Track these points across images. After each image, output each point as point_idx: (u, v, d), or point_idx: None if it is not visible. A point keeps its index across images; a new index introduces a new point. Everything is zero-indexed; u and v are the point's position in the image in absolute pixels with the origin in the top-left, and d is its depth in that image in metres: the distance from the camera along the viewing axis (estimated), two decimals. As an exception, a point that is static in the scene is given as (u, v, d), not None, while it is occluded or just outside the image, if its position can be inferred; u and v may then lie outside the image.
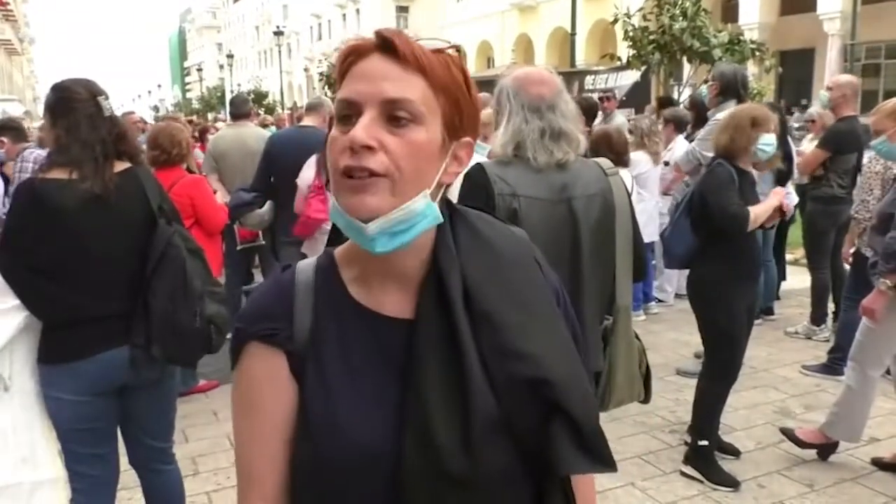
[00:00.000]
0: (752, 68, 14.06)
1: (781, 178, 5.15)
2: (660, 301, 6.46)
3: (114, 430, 2.46)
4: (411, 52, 0.89)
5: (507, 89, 2.10)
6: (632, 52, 13.23)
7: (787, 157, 5.29)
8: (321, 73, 32.85)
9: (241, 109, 5.73)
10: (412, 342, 0.93)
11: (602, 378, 2.21)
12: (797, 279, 6.52)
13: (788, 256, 6.87)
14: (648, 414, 4.06)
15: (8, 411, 2.24)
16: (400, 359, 0.93)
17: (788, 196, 4.66)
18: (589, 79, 12.66)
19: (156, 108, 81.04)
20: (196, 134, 9.29)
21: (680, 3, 12.75)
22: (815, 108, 6.91)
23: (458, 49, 0.96)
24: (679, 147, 5.78)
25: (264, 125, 10.06)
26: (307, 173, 4.10)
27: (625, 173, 4.13)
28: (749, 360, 4.03)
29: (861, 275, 3.97)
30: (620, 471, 3.43)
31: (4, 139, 5.39)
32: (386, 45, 0.90)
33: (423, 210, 0.91)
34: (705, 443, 3.42)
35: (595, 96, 8.62)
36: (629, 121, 7.18)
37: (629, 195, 2.24)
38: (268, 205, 4.78)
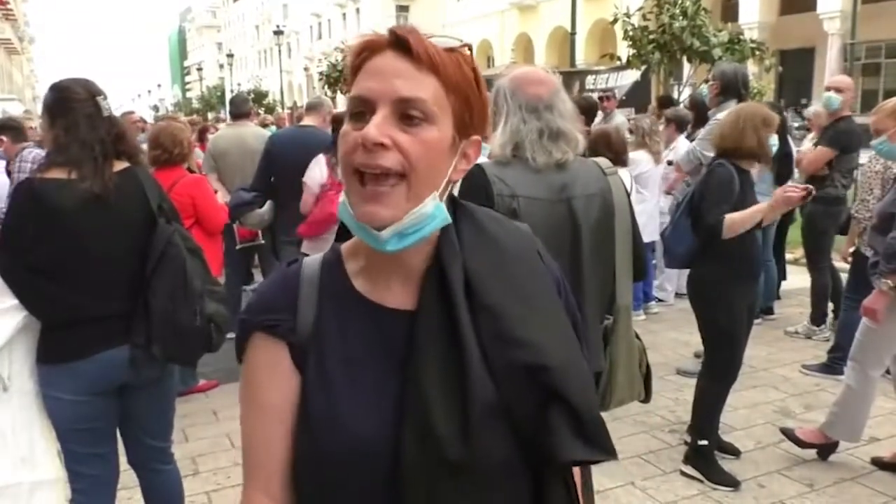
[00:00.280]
0: (752, 67, 14.03)
1: (781, 178, 5.15)
2: (660, 300, 6.45)
3: (113, 430, 2.46)
4: (425, 51, 0.90)
5: (504, 90, 2.08)
6: (632, 51, 13.20)
7: (787, 156, 5.29)
8: (321, 73, 32.77)
9: (241, 109, 5.73)
10: (413, 333, 0.94)
11: (603, 377, 2.21)
12: (797, 279, 6.51)
13: (788, 256, 6.87)
14: (648, 413, 4.06)
15: (7, 411, 2.23)
16: (401, 350, 0.94)
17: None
18: (590, 78, 12.64)
19: (156, 108, 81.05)
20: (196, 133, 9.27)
21: (680, 2, 12.71)
22: (813, 108, 6.91)
23: (469, 47, 0.97)
24: (681, 147, 5.78)
25: (264, 125, 10.06)
26: (315, 172, 4.09)
27: (624, 173, 4.12)
28: (749, 359, 4.02)
29: (861, 274, 3.96)
30: (620, 470, 3.44)
31: (4, 138, 5.39)
32: (400, 42, 0.90)
33: (432, 212, 0.92)
34: (705, 442, 3.42)
35: (595, 96, 8.63)
36: (629, 120, 7.18)
37: (628, 195, 2.23)
38: (268, 204, 4.78)
